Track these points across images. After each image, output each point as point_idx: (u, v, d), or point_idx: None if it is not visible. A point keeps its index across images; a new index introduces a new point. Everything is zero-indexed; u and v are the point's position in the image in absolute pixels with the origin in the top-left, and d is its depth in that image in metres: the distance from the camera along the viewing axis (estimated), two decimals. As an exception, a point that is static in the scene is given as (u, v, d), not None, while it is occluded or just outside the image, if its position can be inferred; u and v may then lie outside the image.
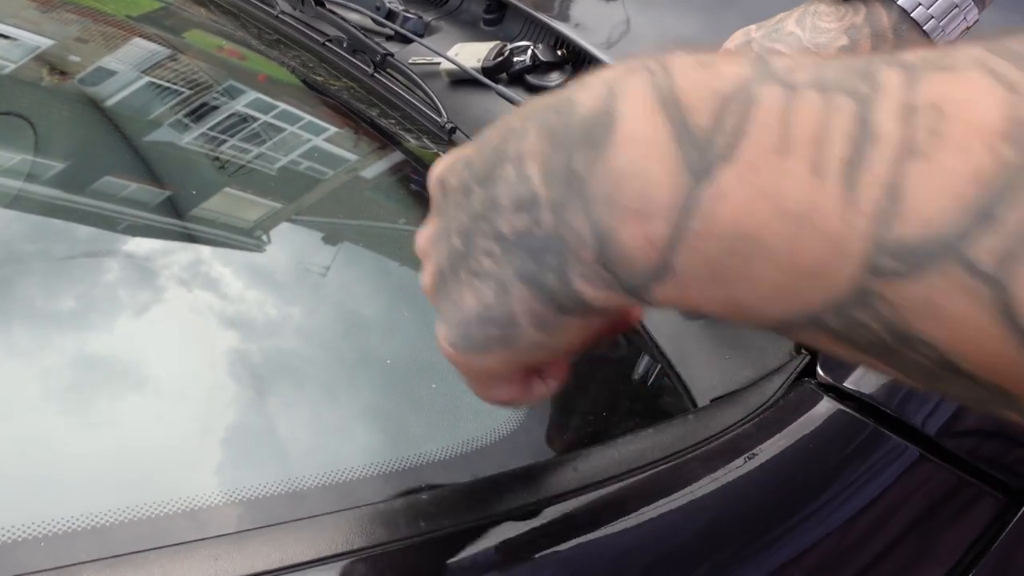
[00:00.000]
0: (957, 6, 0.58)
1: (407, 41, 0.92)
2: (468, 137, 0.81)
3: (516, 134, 0.33)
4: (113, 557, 0.37)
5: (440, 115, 0.80)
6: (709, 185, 0.26)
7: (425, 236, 0.40)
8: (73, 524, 0.38)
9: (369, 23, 0.96)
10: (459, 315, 0.37)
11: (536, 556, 0.47)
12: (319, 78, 0.90)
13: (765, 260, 0.25)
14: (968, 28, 0.59)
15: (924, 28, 0.58)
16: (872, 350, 0.25)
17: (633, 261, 0.29)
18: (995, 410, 0.25)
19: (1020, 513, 0.55)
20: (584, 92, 0.30)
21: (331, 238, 0.70)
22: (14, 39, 0.85)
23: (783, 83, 0.26)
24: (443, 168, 0.39)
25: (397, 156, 0.80)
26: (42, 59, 0.83)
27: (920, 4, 0.58)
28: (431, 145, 0.81)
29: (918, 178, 0.22)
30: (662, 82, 0.28)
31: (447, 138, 0.80)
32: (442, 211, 0.38)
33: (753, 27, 0.66)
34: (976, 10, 0.59)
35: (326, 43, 0.92)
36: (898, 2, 0.58)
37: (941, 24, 0.58)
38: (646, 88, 0.28)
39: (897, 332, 0.24)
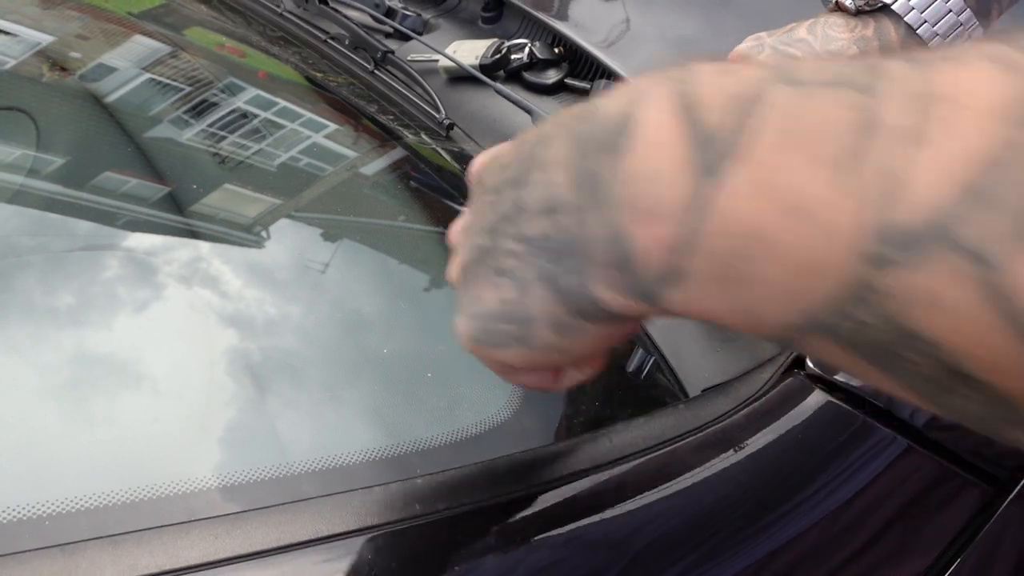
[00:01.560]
0: (962, 24, 0.59)
1: (406, 38, 0.93)
2: (465, 133, 0.82)
3: (547, 140, 0.34)
4: (117, 535, 0.37)
5: (438, 112, 0.81)
6: (718, 184, 0.26)
7: (457, 228, 0.41)
8: (78, 504, 0.39)
9: (370, 21, 0.97)
10: (479, 309, 0.37)
11: (528, 542, 0.47)
12: (320, 75, 0.91)
13: (770, 258, 0.25)
14: None
15: (928, 46, 0.59)
16: (876, 356, 0.24)
17: (646, 264, 0.29)
18: (1001, 430, 0.24)
19: (1005, 503, 0.55)
20: (611, 100, 0.31)
21: (329, 233, 0.71)
22: (16, 35, 0.85)
23: (794, 82, 0.26)
24: (480, 165, 0.40)
25: (396, 152, 0.80)
26: (44, 55, 0.83)
27: (926, 22, 0.59)
28: (429, 141, 0.82)
29: (917, 163, 0.22)
30: (683, 88, 0.28)
31: (445, 134, 0.81)
32: (476, 207, 0.39)
33: (764, 33, 0.67)
34: (981, 29, 0.60)
35: (328, 40, 0.93)
36: (905, 19, 0.59)
37: (946, 42, 0.59)
38: (668, 94, 0.29)
39: (898, 329, 0.23)
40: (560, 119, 0.34)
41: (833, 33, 0.61)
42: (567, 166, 0.32)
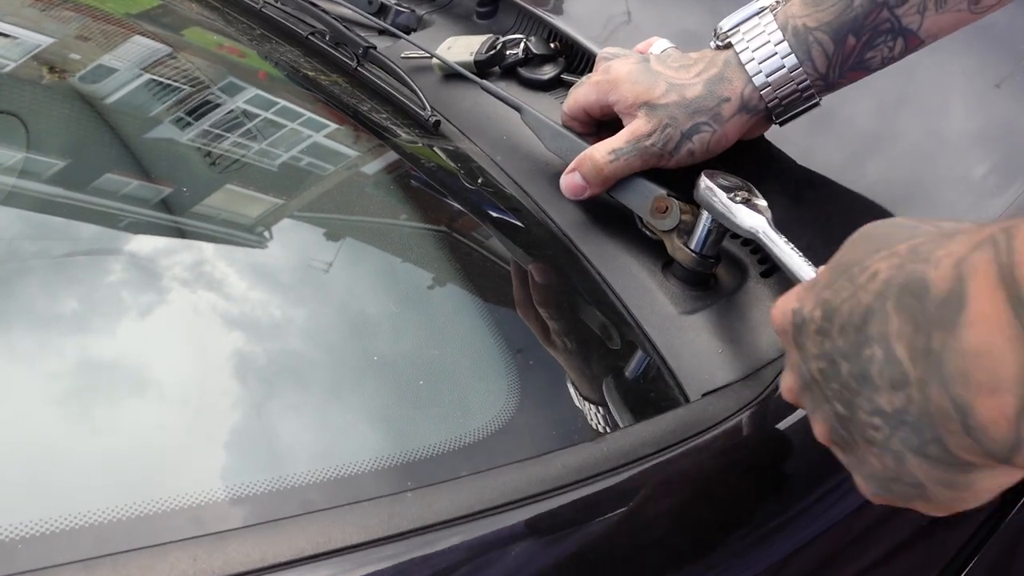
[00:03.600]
0: (799, 91, 0.64)
1: (399, 35, 0.92)
2: (459, 130, 0.80)
3: (876, 315, 0.37)
4: (91, 559, 0.36)
5: (424, 108, 0.80)
6: None
7: (788, 389, 0.47)
8: (50, 527, 0.38)
9: (352, 15, 0.95)
10: (870, 471, 0.41)
11: (525, 550, 0.46)
12: (305, 72, 0.90)
13: None
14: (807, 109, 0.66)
15: (761, 95, 0.64)
16: None
17: (993, 433, 0.32)
18: None
19: (1017, 507, 0.54)
20: (936, 272, 0.34)
21: (315, 234, 0.70)
22: (12, 37, 0.85)
23: None
24: (783, 320, 0.45)
25: (380, 150, 0.79)
26: (40, 57, 0.83)
27: (769, 85, 0.64)
28: (416, 139, 0.80)
29: None
30: (1004, 259, 0.31)
31: (433, 131, 0.80)
32: (801, 368, 0.44)
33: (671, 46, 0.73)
34: (818, 100, 0.65)
35: (310, 36, 0.92)
36: (745, 67, 0.64)
37: (776, 93, 0.64)
38: (989, 267, 0.31)
39: None
40: (879, 288, 0.37)
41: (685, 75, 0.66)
42: (906, 342, 0.35)
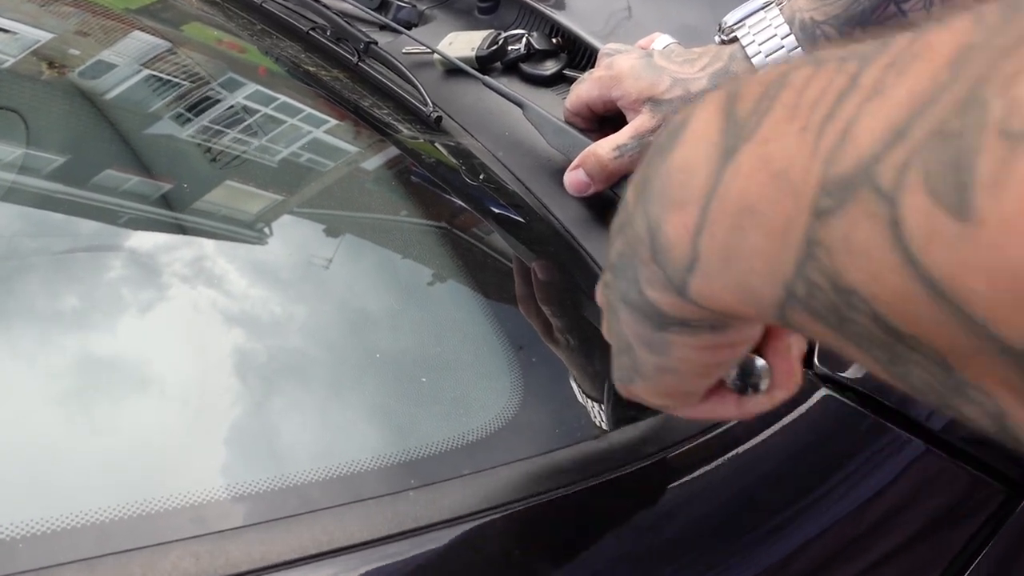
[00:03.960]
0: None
1: (400, 31, 0.91)
2: (460, 125, 0.80)
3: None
4: (94, 558, 0.36)
5: (426, 104, 0.79)
6: (730, 164, 0.26)
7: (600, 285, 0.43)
8: (52, 526, 0.37)
9: (353, 11, 0.95)
10: (612, 351, 0.39)
11: (528, 551, 0.46)
12: (306, 68, 0.89)
13: (757, 229, 0.25)
14: None
15: None
16: (836, 323, 0.24)
17: (673, 251, 0.29)
18: (960, 405, 0.23)
19: (1022, 505, 0.54)
20: (681, 112, 0.31)
21: (316, 230, 0.70)
22: (11, 32, 0.84)
23: (815, 61, 0.26)
24: None
25: (381, 146, 0.79)
26: (39, 53, 0.82)
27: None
28: (418, 135, 0.80)
29: (867, 113, 0.22)
30: (733, 88, 0.29)
31: (434, 127, 0.79)
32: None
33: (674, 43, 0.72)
34: None
35: (311, 32, 0.91)
36: (752, 60, 0.64)
37: None
38: (719, 95, 0.29)
39: (836, 286, 0.23)
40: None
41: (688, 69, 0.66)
42: (635, 181, 0.33)
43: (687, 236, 0.28)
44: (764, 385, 0.39)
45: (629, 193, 0.33)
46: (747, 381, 0.38)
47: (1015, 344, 0.19)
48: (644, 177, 0.32)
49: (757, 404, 0.40)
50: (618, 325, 0.36)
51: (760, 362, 0.38)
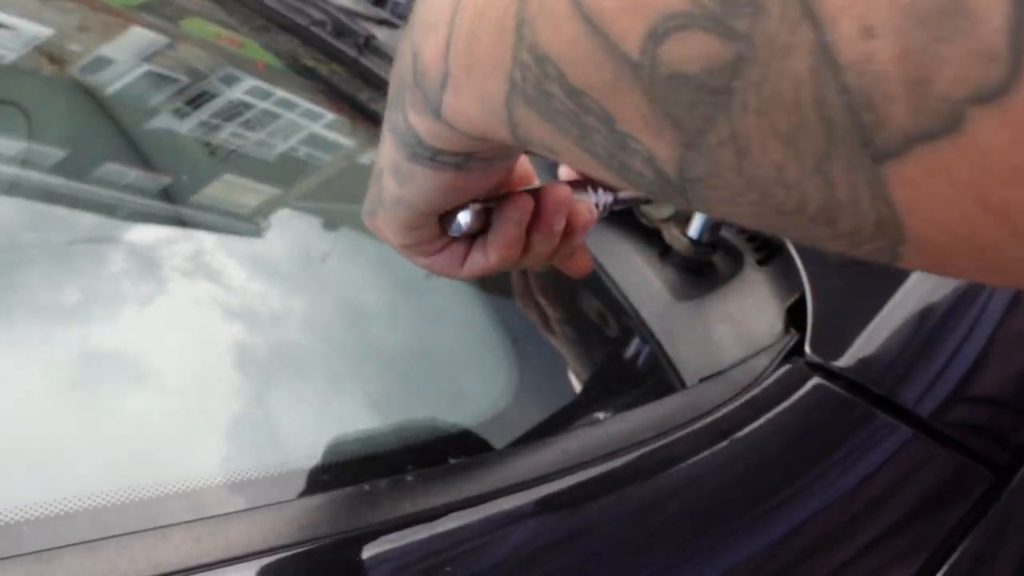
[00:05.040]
0: None
1: (398, 25, 0.92)
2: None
3: None
4: (96, 540, 0.37)
5: None
6: None
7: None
8: (53, 509, 0.38)
9: (351, 5, 0.95)
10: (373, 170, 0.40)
11: (523, 536, 0.47)
12: (308, 63, 0.90)
13: (484, 30, 0.27)
14: None
15: None
16: (541, 103, 0.25)
17: (429, 72, 0.31)
18: (626, 162, 0.24)
19: (1009, 489, 0.55)
20: None
21: (316, 223, 0.70)
22: (13, 28, 0.85)
23: None
24: None
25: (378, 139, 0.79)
26: (40, 48, 0.83)
27: None
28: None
29: None
30: None
31: None
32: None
33: None
34: None
35: (311, 27, 0.92)
36: None
37: None
38: None
39: (537, 57, 0.24)
40: None
41: None
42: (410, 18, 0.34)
43: (439, 54, 0.30)
44: (463, 229, 0.40)
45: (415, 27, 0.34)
46: (458, 229, 0.40)
47: (633, 54, 0.20)
48: (414, 11, 0.33)
49: (474, 263, 0.42)
50: (379, 154, 0.37)
51: (464, 213, 0.40)
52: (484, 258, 0.42)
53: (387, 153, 0.37)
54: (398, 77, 0.34)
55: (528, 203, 0.41)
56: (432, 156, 0.34)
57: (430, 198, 0.37)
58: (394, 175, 0.36)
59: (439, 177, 0.35)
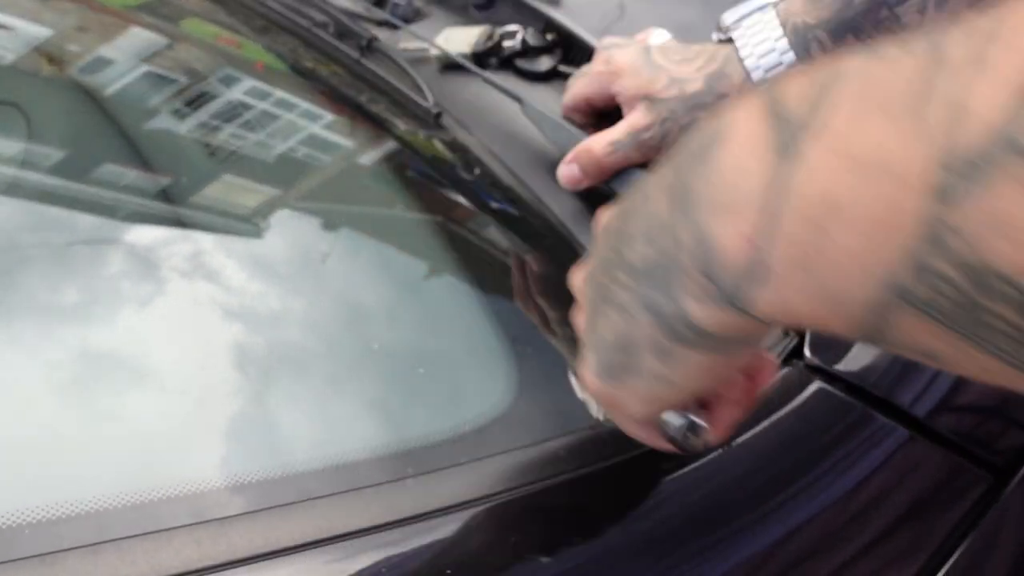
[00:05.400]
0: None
1: (395, 27, 0.92)
2: (457, 122, 0.81)
3: (657, 172, 0.34)
4: (98, 544, 0.37)
5: (427, 100, 0.80)
6: (795, 162, 0.25)
7: (579, 275, 0.42)
8: (56, 512, 0.38)
9: (356, 7, 0.95)
10: (599, 343, 0.38)
11: (526, 536, 0.47)
12: (309, 65, 0.90)
13: (845, 225, 0.24)
14: None
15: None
16: (960, 318, 0.23)
17: (728, 260, 0.28)
18: None
19: (1007, 491, 0.55)
20: (712, 118, 0.31)
21: (317, 224, 0.70)
22: (11, 28, 0.85)
23: (870, 53, 0.25)
24: (605, 213, 0.41)
25: (380, 141, 0.80)
26: (39, 49, 0.83)
27: (760, 67, 0.63)
28: (416, 130, 0.81)
29: (977, 85, 0.21)
30: (771, 90, 0.28)
31: (434, 123, 0.80)
32: (595, 251, 0.40)
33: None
34: None
35: (312, 28, 0.92)
36: (744, 63, 0.63)
37: None
38: (758, 99, 0.28)
39: (974, 270, 0.21)
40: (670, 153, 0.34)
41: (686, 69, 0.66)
42: (666, 188, 0.32)
43: (745, 244, 0.27)
44: (698, 440, 0.41)
45: (657, 199, 0.33)
46: (687, 429, 0.40)
47: None
48: (681, 184, 0.31)
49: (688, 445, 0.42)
50: (629, 327, 0.35)
51: (687, 417, 0.40)
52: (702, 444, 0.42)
53: (643, 330, 0.35)
54: (661, 256, 0.32)
55: (752, 388, 0.41)
56: (706, 340, 0.33)
57: (699, 379, 0.36)
58: (656, 353, 0.35)
59: (711, 360, 0.34)
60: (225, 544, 0.38)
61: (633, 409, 0.39)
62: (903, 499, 0.55)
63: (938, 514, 0.54)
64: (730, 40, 0.66)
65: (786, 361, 0.57)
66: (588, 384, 0.40)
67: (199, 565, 0.37)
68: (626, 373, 0.37)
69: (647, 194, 0.34)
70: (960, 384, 0.55)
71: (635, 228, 0.34)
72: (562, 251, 0.69)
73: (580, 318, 0.41)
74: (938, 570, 0.52)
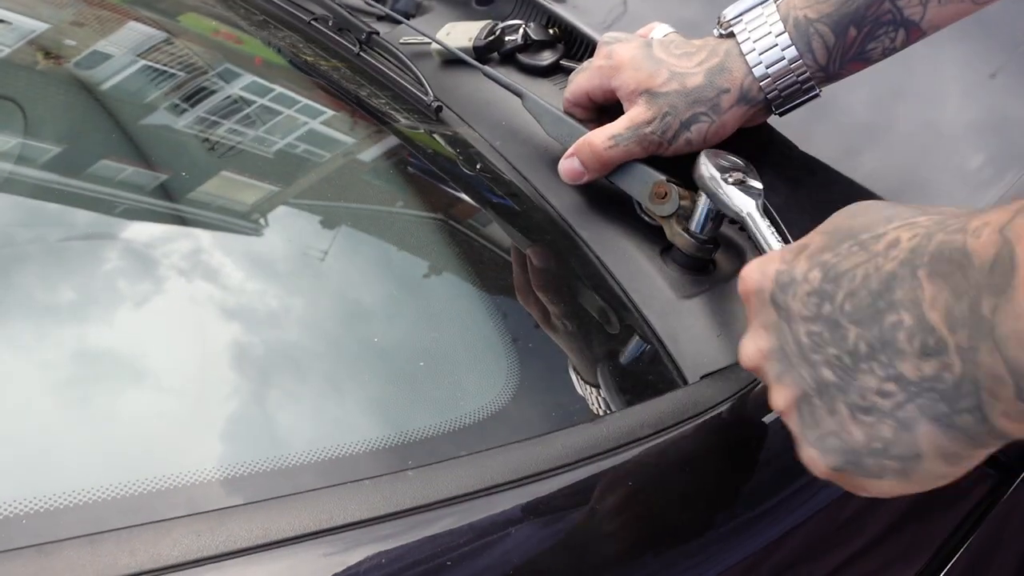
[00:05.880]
0: (792, 72, 0.64)
1: (399, 21, 0.92)
2: (458, 116, 0.80)
3: (903, 282, 0.37)
4: (96, 534, 0.37)
5: (426, 94, 0.80)
6: None
7: (757, 351, 0.44)
8: (54, 502, 0.38)
9: (357, 2, 0.95)
10: (843, 445, 0.40)
11: (525, 529, 0.47)
12: (307, 58, 0.90)
13: None
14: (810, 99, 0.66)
15: (760, 85, 0.64)
16: None
17: None
18: None
19: (1011, 489, 0.55)
20: (977, 241, 0.34)
21: (321, 220, 0.70)
22: (8, 22, 0.84)
23: None
24: (761, 279, 0.43)
25: (384, 136, 0.79)
26: (36, 43, 0.82)
27: (768, 77, 0.64)
28: (418, 124, 0.80)
29: None
30: None
31: (434, 117, 0.80)
32: (778, 331, 0.42)
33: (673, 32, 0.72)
34: (818, 92, 0.65)
35: (312, 22, 0.92)
36: (745, 56, 0.64)
37: (783, 95, 0.65)
38: None
39: None
40: (902, 257, 0.37)
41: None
42: (942, 308, 0.35)
43: None
44: None
45: (939, 327, 0.35)
46: None
47: None
48: (971, 312, 0.33)
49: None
50: (905, 436, 0.37)
51: None
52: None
53: (930, 441, 0.37)
54: (961, 379, 0.35)
55: None
56: (1004, 441, 0.36)
57: (976, 464, 0.38)
58: (946, 460, 0.37)
59: (998, 445, 0.37)
60: (224, 535, 0.38)
61: (888, 491, 0.41)
62: (907, 496, 0.54)
63: (944, 510, 0.54)
64: (731, 35, 0.66)
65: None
66: (821, 473, 0.42)
67: (198, 556, 0.36)
68: (895, 475, 0.39)
69: (897, 302, 0.37)
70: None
71: (901, 340, 0.37)
72: (562, 245, 0.69)
73: (780, 401, 0.43)
74: (943, 568, 0.52)
